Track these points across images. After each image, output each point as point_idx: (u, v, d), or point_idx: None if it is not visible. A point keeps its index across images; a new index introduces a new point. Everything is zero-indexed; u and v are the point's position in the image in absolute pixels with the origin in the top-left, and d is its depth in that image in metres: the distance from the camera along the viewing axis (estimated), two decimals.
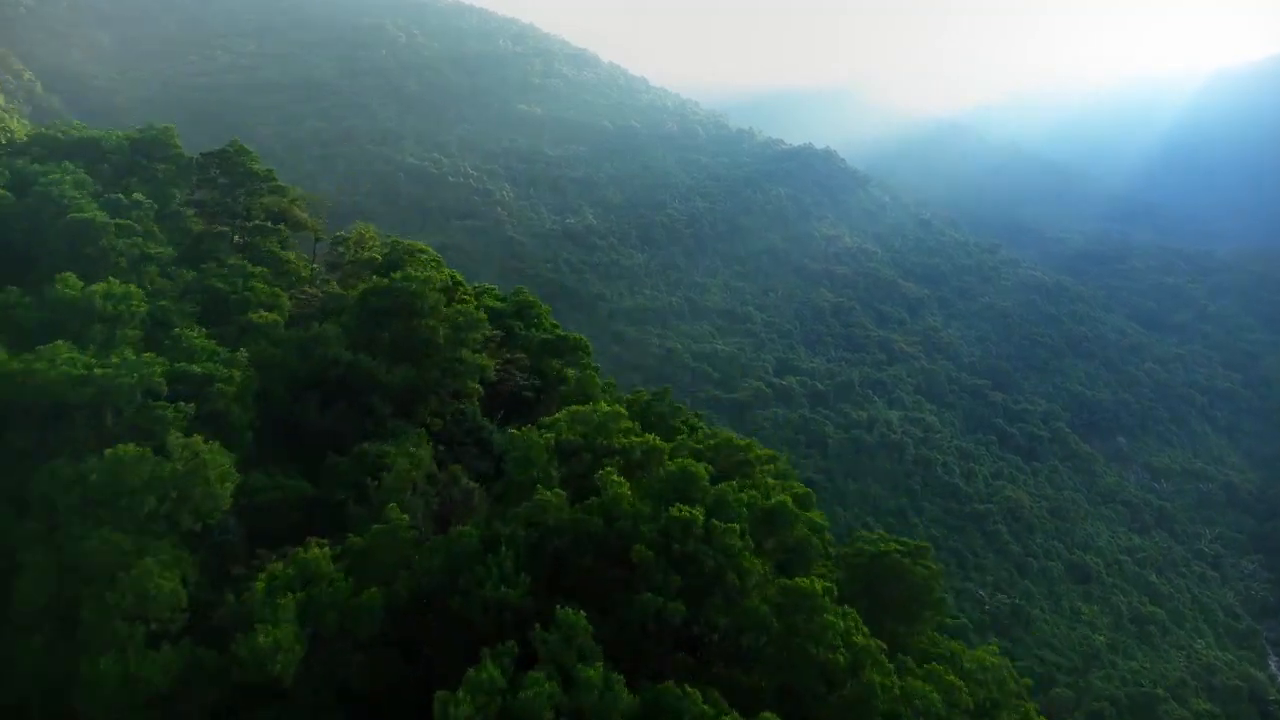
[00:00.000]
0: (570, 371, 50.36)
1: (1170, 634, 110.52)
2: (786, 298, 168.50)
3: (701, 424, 53.33)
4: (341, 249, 57.79)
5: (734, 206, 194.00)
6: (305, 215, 57.41)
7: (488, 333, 45.31)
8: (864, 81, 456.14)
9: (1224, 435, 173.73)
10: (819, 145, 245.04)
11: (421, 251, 51.66)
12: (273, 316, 42.52)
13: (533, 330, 53.80)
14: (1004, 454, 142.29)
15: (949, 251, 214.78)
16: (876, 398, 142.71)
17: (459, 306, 43.56)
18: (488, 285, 60.41)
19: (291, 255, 53.66)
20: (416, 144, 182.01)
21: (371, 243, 56.80)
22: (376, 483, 34.35)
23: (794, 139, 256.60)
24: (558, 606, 25.96)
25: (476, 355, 42.73)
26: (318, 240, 60.40)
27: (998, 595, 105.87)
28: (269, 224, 54.02)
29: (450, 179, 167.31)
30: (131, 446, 28.14)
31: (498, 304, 54.80)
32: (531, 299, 57.51)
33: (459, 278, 54.75)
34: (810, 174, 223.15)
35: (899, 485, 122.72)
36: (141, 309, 38.24)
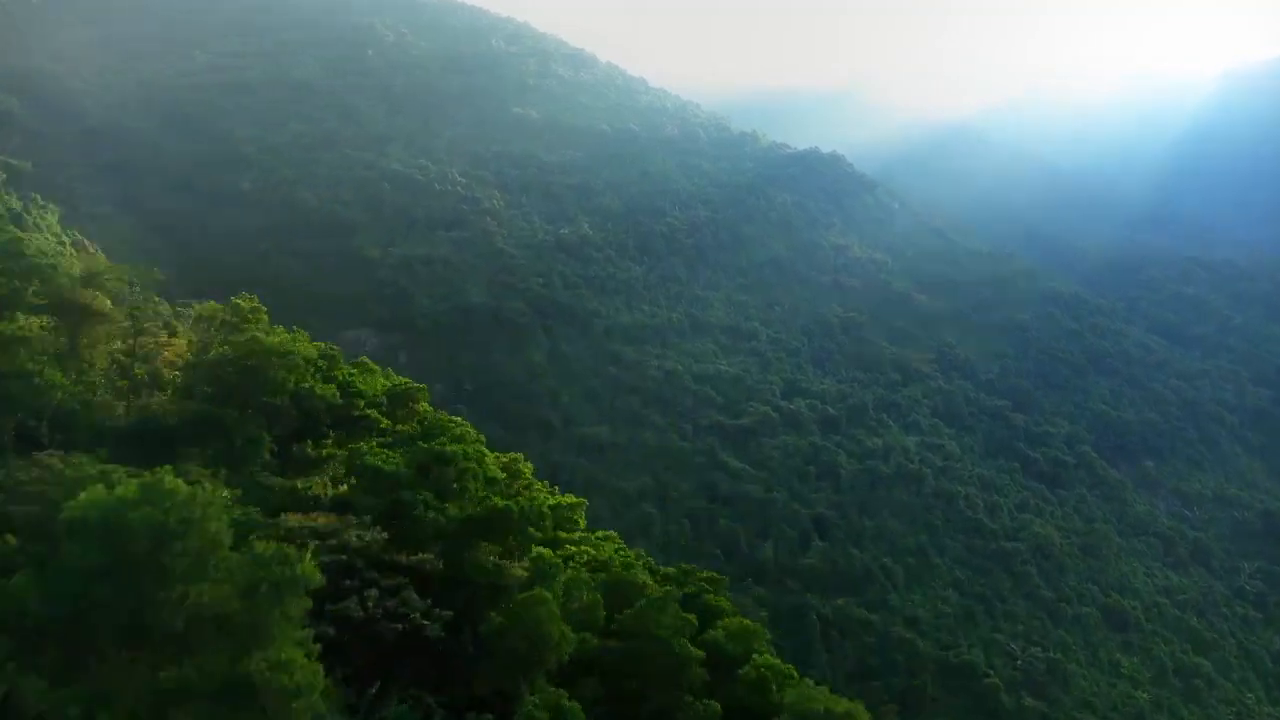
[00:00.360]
0: (515, 570, 33.57)
1: (1217, 687, 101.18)
2: (793, 312, 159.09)
3: (731, 609, 40.67)
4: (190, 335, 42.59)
5: (737, 214, 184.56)
6: (107, 301, 41.80)
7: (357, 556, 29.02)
8: (866, 82, 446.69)
9: (1257, 457, 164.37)
10: (822, 148, 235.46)
11: (287, 354, 37.18)
12: None
13: (449, 504, 34.30)
14: (1028, 482, 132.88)
15: (962, 261, 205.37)
16: (891, 422, 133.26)
17: (264, 549, 21.48)
18: (414, 386, 48.82)
19: (60, 376, 35.37)
20: (403, 148, 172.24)
21: (219, 334, 40.94)
22: None
23: (796, 142, 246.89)
24: None
25: (293, 657, 19.80)
26: (138, 334, 43.95)
27: (1030, 649, 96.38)
28: (22, 325, 36.05)
29: (437, 186, 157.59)
30: None
31: (392, 467, 34.96)
32: (453, 450, 36.14)
33: (368, 392, 40.70)
34: (816, 179, 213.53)
35: (918, 520, 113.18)
36: None
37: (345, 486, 35.78)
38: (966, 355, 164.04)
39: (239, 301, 42.52)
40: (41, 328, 37.45)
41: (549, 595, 31.77)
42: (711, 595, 40.21)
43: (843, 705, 29.90)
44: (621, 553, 46.83)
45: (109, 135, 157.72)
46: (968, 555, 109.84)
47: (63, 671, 19.86)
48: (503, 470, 41.00)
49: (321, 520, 30.77)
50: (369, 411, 42.01)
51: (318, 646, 22.14)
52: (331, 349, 44.91)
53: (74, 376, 37.03)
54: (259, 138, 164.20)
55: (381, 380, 48.07)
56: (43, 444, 32.15)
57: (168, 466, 22.55)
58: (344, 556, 28.65)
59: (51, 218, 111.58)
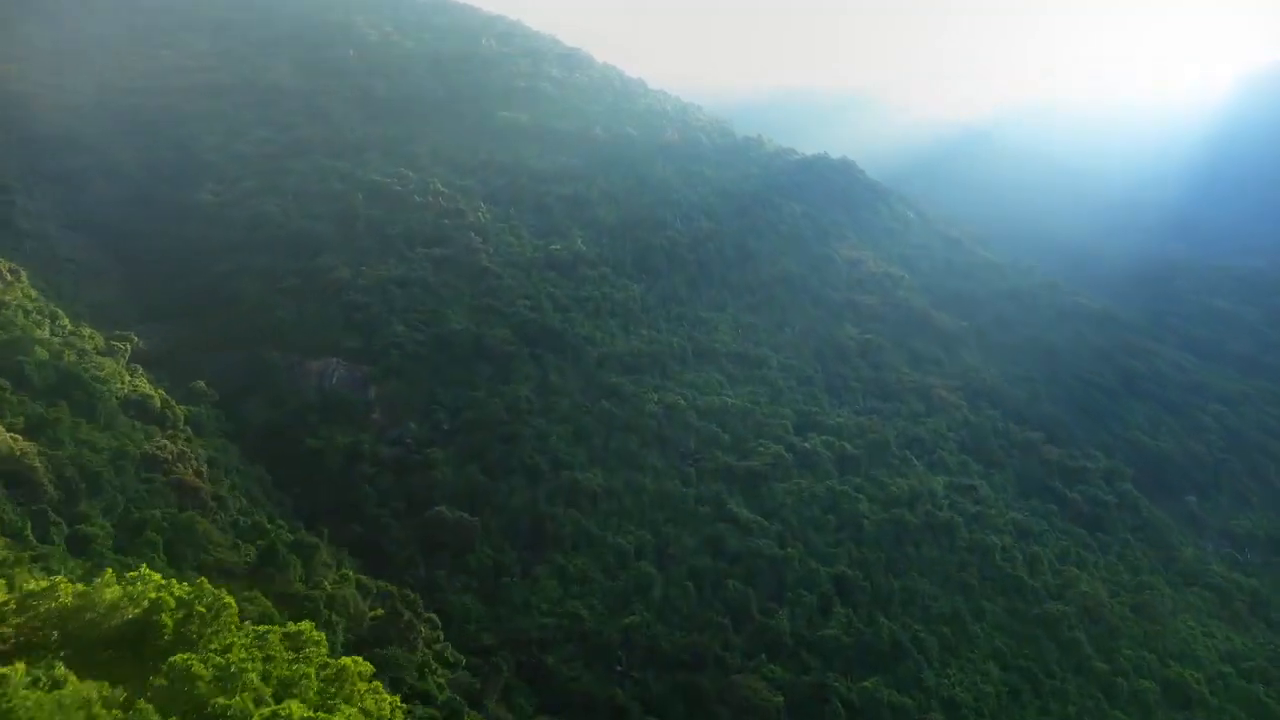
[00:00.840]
0: None
1: None
2: (805, 334, 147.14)
3: None
4: None
5: (743, 226, 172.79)
6: None
7: None
8: (873, 84, 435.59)
9: None
10: (831, 154, 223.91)
11: None
12: None
13: None
14: (1067, 527, 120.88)
15: (982, 275, 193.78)
16: (916, 459, 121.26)
17: None
18: None
19: None
20: (382, 157, 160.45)
21: None
22: None
23: (802, 146, 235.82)
24: None
25: None
26: None
27: None
28: None
29: (417, 198, 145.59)
30: None
31: None
32: None
33: None
34: (827, 187, 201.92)
35: (951, 580, 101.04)
36: None
37: None
38: (992, 380, 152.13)
39: None
40: None
41: None
42: None
43: None
44: None
45: (58, 143, 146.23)
46: (1009, 620, 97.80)
47: None
48: None
49: None
50: None
51: None
52: None
53: None
54: (223, 145, 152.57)
55: None
56: None
57: None
58: None
59: None
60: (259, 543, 63.77)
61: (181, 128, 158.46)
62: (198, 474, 68.11)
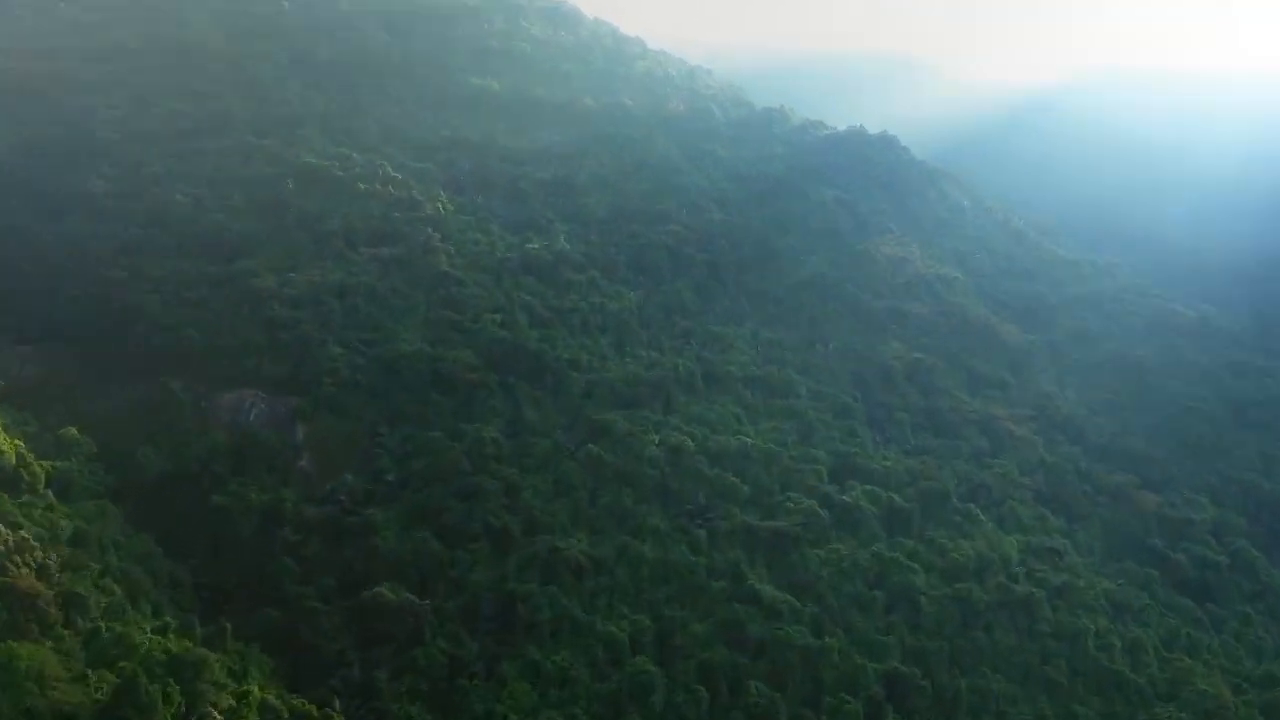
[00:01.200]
0: None
1: None
2: (841, 354, 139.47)
3: None
4: None
5: (764, 218, 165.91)
6: None
7: None
8: (914, 46, 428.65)
9: None
10: (868, 128, 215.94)
11: None
12: None
13: None
14: (1171, 598, 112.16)
15: (1053, 274, 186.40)
16: (982, 514, 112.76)
17: None
18: None
19: None
20: (320, 133, 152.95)
21: None
22: None
23: (832, 119, 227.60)
24: None
25: None
26: None
27: None
28: None
29: (361, 185, 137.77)
30: None
31: None
32: None
33: None
34: (865, 169, 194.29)
35: (1033, 676, 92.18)
36: None
37: None
38: (1070, 409, 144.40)
39: None
40: None
41: None
42: None
43: None
44: None
45: None
46: None
47: None
48: None
49: None
50: None
51: None
52: None
53: None
54: (124, 120, 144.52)
55: None
56: None
57: None
58: None
59: None
60: (122, 665, 54.80)
61: (75, 99, 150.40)
62: (40, 573, 59.25)
